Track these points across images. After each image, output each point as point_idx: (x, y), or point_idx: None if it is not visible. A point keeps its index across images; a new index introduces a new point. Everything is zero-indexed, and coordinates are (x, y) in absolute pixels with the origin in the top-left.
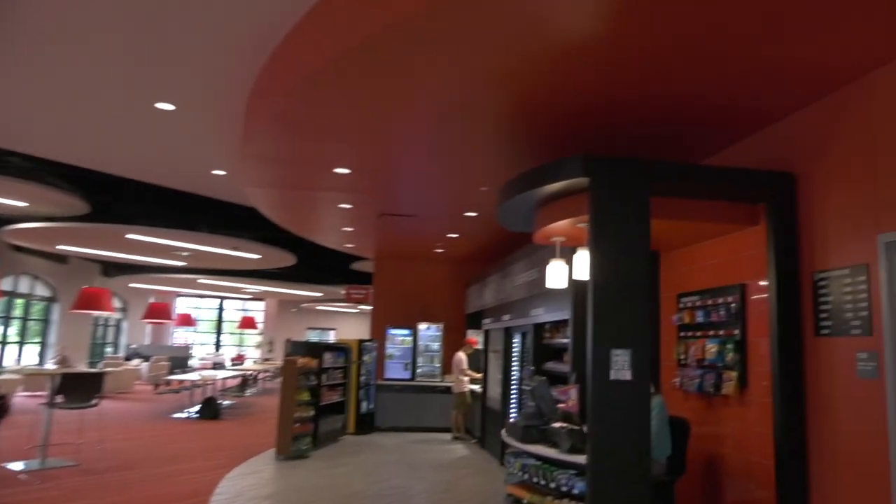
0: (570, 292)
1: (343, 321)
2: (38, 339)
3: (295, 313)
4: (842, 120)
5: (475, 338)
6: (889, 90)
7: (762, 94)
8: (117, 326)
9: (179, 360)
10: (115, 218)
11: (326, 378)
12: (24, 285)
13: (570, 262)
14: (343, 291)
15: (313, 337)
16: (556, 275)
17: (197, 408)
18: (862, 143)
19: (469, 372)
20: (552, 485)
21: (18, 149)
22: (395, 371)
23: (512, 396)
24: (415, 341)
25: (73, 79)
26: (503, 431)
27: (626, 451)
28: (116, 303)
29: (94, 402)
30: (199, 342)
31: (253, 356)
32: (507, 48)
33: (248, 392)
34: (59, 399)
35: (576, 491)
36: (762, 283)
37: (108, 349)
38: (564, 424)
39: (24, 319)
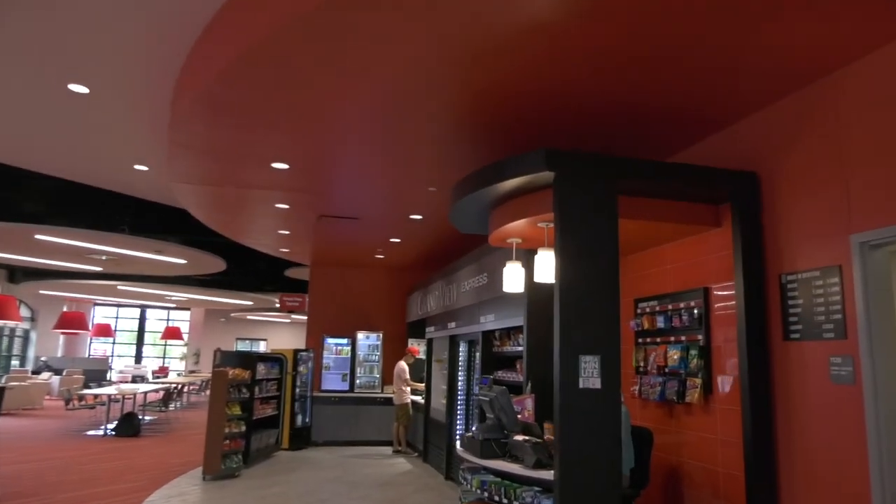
0: (525, 297)
1: (275, 331)
2: None
3: (223, 323)
4: (806, 118)
5: (416, 347)
6: (858, 88)
7: (722, 92)
8: (25, 337)
9: (96, 374)
10: (21, 216)
11: (259, 390)
12: None
13: (526, 265)
14: (276, 300)
15: (242, 348)
16: (513, 278)
17: (114, 424)
18: (829, 142)
19: (411, 383)
20: (516, 503)
21: None
22: (333, 382)
23: (458, 408)
24: (353, 351)
25: None
26: (458, 445)
27: (596, 465)
28: (24, 311)
29: None
30: (118, 354)
31: (177, 368)
32: (463, 29)
33: (172, 406)
34: None
35: None
36: (726, 286)
37: (15, 362)
38: (528, 437)
39: None
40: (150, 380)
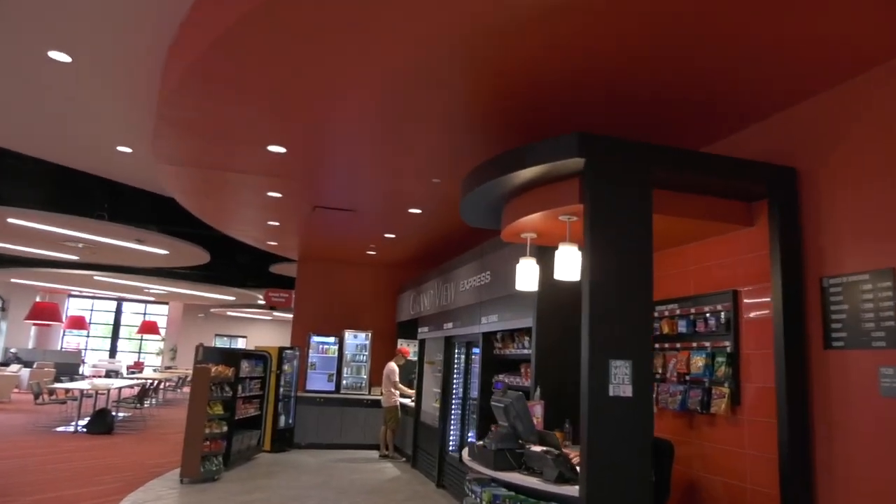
0: (535, 297)
1: (255, 328)
2: None
3: (202, 319)
4: (855, 110)
5: (407, 348)
6: None
7: (763, 84)
8: None
9: (68, 367)
10: None
11: (243, 389)
12: None
13: (540, 262)
14: (259, 296)
15: (221, 345)
16: (526, 275)
17: (86, 421)
18: (882, 134)
19: (400, 386)
20: None
21: None
22: (318, 382)
23: (453, 413)
24: (340, 350)
25: None
26: (465, 454)
27: (627, 482)
28: None
29: None
30: (91, 347)
31: (153, 364)
32: (485, 1)
33: (148, 403)
34: None
35: None
36: (758, 289)
37: None
38: (548, 448)
39: None
40: (125, 375)
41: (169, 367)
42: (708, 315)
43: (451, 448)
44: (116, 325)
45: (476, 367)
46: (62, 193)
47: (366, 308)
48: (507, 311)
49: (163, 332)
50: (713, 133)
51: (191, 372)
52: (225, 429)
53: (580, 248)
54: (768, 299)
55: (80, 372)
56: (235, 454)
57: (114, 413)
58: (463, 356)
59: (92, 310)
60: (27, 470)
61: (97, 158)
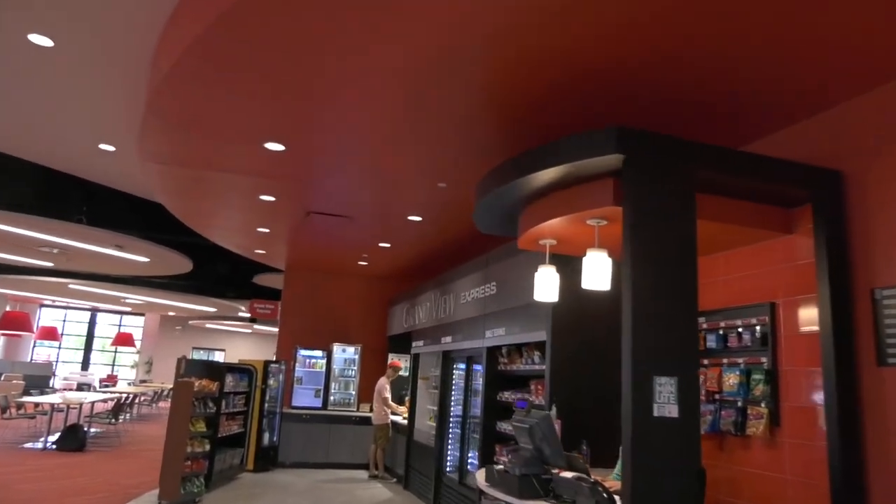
0: (549, 308)
1: (234, 342)
2: None
3: (179, 331)
4: None
5: (399, 361)
6: None
7: (811, 80)
8: None
9: (38, 380)
10: None
11: (227, 405)
12: None
13: (559, 271)
14: (242, 307)
15: (198, 357)
16: (546, 285)
17: (56, 437)
18: None
19: (391, 404)
20: None
21: None
22: (305, 398)
23: (451, 432)
24: (328, 365)
25: None
26: (481, 478)
27: None
28: None
29: None
30: (63, 360)
31: (128, 377)
32: None
33: (122, 418)
34: None
35: None
36: (800, 300)
37: None
38: (580, 474)
39: None
40: (98, 388)
41: (144, 381)
42: (741, 329)
43: (448, 469)
44: (90, 337)
45: (478, 384)
46: (37, 194)
47: (355, 321)
48: (516, 323)
49: (138, 344)
50: (747, 134)
51: (167, 386)
52: (207, 447)
53: (609, 255)
54: (812, 312)
55: (51, 385)
56: (217, 474)
57: (86, 428)
58: (463, 372)
59: (65, 320)
60: None
61: (77, 157)
